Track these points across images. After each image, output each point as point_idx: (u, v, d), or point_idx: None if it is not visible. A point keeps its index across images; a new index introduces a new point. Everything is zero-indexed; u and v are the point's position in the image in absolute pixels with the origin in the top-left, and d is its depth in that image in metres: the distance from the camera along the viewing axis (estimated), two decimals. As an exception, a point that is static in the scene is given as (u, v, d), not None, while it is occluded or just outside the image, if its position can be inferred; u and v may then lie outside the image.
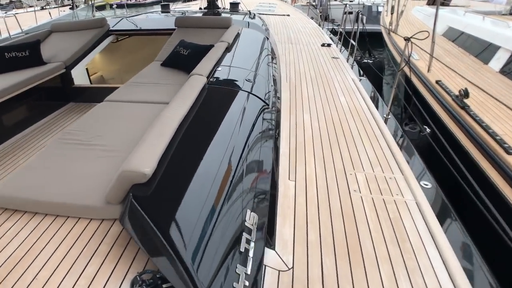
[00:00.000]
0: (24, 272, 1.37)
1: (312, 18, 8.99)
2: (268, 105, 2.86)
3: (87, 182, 1.75)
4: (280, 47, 5.73)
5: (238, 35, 4.32)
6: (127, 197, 1.50)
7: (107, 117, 2.50)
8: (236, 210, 1.53)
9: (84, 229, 1.57)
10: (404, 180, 2.16)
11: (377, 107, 3.46)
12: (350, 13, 5.74)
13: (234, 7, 7.14)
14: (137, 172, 1.46)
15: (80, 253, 1.44)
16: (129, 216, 1.39)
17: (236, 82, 2.87)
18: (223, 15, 6.05)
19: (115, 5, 20.29)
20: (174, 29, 4.66)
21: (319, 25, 7.79)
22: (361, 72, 4.66)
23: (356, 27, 5.17)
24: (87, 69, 4.58)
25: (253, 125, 2.36)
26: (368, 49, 6.36)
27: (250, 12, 6.59)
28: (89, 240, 1.51)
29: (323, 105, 3.32)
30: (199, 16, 4.69)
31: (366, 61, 5.62)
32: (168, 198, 1.45)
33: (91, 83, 4.68)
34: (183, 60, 3.60)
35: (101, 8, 19.11)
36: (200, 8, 7.38)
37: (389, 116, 3.18)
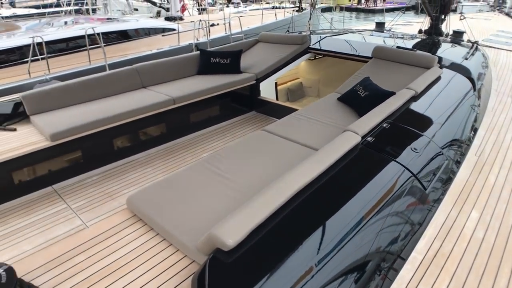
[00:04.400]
0: (113, 282, 1.61)
1: None
2: (425, 189, 2.34)
3: (198, 218, 1.89)
4: (493, 99, 4.58)
5: (436, 80, 3.71)
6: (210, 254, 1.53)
7: (254, 150, 2.63)
8: None
9: (174, 264, 1.72)
10: None
11: None
12: None
13: (458, 35, 6.26)
14: (220, 240, 1.48)
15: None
16: (198, 279, 1.42)
17: (396, 149, 2.47)
18: (441, 43, 5.38)
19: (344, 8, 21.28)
20: (370, 58, 4.43)
21: None
22: None
23: None
24: (276, 82, 4.93)
25: (383, 217, 1.97)
26: None
27: (474, 44, 5.59)
28: (170, 278, 1.64)
29: (508, 205, 2.46)
30: (398, 50, 4.28)
31: None
32: (240, 278, 1.39)
33: (277, 95, 5.04)
34: (359, 101, 3.39)
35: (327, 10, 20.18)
36: (420, 31, 6.69)
37: None
